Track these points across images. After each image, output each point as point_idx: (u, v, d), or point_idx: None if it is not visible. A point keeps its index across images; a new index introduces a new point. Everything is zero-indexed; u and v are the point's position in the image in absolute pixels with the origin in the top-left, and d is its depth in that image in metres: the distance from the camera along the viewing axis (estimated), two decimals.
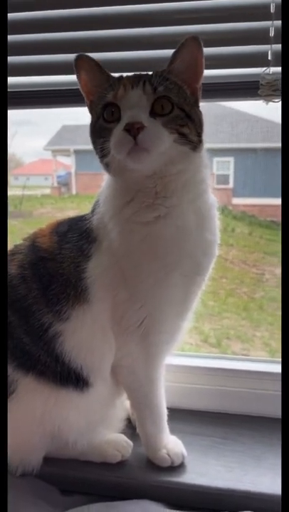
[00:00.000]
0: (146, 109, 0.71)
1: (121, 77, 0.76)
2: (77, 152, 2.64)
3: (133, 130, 0.68)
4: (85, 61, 0.77)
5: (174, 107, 0.72)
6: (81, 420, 0.82)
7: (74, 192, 2.67)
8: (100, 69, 0.78)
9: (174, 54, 0.75)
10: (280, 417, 0.99)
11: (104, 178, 0.84)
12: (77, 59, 0.77)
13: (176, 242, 0.76)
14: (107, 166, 0.76)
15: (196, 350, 1.81)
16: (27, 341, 0.79)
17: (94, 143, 0.78)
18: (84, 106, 0.81)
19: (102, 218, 0.81)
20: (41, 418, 0.80)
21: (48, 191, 2.68)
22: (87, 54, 0.77)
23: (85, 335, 0.79)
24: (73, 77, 0.79)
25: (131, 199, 0.77)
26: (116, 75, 0.79)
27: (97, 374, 0.81)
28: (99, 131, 0.75)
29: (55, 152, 2.63)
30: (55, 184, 2.75)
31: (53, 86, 1.02)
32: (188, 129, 0.73)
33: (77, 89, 0.80)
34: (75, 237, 0.82)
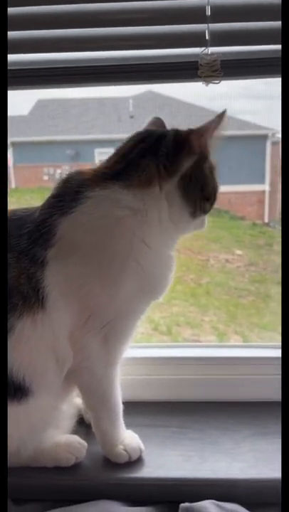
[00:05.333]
0: None
1: None
2: (14, 144, 2.53)
3: None
4: None
5: None
6: (23, 428, 0.78)
7: (13, 186, 2.56)
8: None
9: None
10: (234, 400, 1.01)
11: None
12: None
13: (167, 272, 0.82)
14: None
15: (148, 339, 1.80)
16: None
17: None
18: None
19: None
20: None
21: None
22: None
23: (31, 345, 0.74)
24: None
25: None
26: None
27: (40, 382, 0.76)
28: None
29: None
30: None
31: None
32: None
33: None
34: (23, 244, 0.76)
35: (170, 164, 0.78)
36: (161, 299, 0.83)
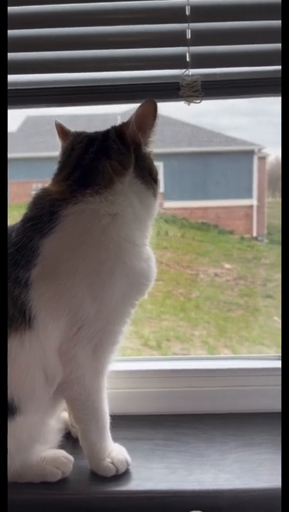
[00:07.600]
0: None
1: None
2: None
3: None
4: None
5: None
6: (10, 445, 0.76)
7: None
8: None
9: None
10: (220, 411, 1.02)
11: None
12: None
13: (150, 272, 0.84)
14: None
15: (138, 354, 1.80)
16: None
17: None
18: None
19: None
20: None
21: None
22: None
23: (19, 364, 0.74)
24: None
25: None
26: None
27: (29, 400, 0.76)
28: None
29: None
30: None
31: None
32: None
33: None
34: None
35: (124, 158, 0.81)
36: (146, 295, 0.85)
